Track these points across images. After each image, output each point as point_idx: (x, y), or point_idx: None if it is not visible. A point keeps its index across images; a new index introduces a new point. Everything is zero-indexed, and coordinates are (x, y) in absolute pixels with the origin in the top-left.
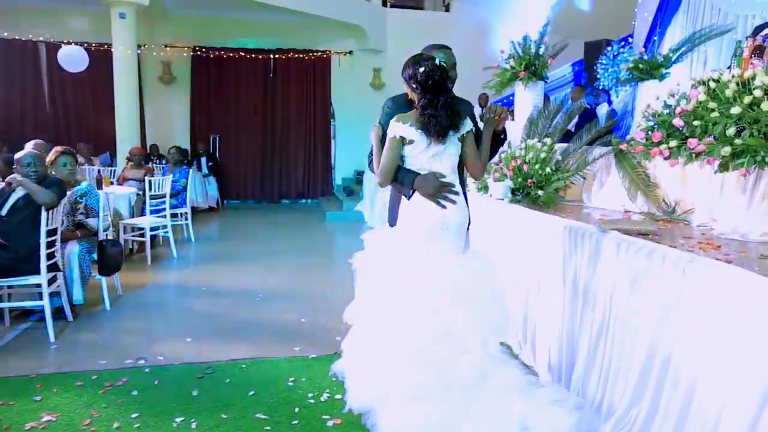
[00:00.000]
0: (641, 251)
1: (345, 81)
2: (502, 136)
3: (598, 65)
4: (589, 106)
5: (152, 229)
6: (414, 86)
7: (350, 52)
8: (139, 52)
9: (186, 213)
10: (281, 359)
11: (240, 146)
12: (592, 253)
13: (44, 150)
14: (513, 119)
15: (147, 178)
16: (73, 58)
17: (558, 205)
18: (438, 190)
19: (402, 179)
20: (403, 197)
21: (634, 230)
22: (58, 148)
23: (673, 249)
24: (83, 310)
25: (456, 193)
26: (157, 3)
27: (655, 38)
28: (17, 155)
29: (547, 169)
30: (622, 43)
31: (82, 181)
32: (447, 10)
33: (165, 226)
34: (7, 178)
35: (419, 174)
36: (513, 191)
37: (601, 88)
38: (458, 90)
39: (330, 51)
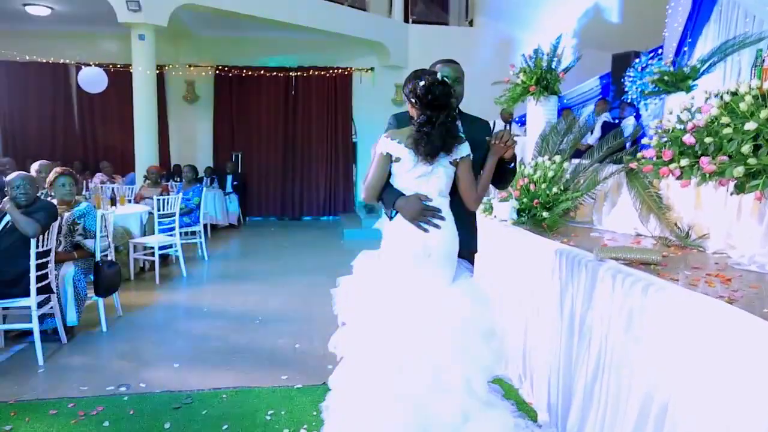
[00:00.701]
0: (636, 285)
1: (366, 97)
2: (511, 165)
3: (625, 78)
4: (614, 121)
5: (163, 247)
6: (413, 101)
7: (372, 69)
8: (164, 72)
9: (199, 231)
10: (264, 389)
11: (261, 163)
12: (588, 284)
13: (48, 170)
14: (518, 136)
15: (156, 197)
16: (92, 79)
17: (564, 227)
18: (419, 213)
19: (385, 198)
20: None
21: (636, 259)
22: (58, 169)
23: (672, 283)
24: (80, 332)
25: (441, 218)
26: (182, 24)
27: (686, 49)
28: (8, 177)
29: (554, 189)
30: (651, 54)
31: (81, 201)
32: (471, 25)
33: (174, 245)
34: (2, 202)
35: (403, 195)
36: (519, 212)
37: (627, 101)
38: (481, 106)
39: (351, 68)
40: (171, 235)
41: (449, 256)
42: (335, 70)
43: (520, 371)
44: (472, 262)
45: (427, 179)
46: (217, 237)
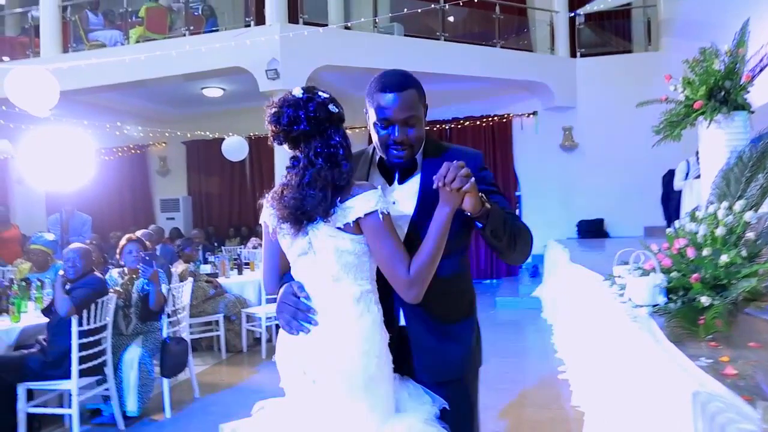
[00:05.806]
0: None
1: (529, 145)
2: (481, 224)
3: None
4: None
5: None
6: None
7: (534, 113)
8: None
9: None
10: None
11: None
12: None
13: (153, 238)
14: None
15: (259, 265)
16: (234, 148)
17: (747, 324)
18: (281, 313)
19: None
20: None
21: None
22: (130, 236)
23: None
24: (145, 416)
25: (308, 320)
26: (333, 88)
27: None
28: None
29: (723, 258)
30: None
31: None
32: (655, 49)
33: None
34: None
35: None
36: (669, 292)
37: None
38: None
39: (510, 114)
40: None
41: (349, 384)
42: (492, 119)
43: None
44: (452, 393)
45: (311, 258)
46: None
